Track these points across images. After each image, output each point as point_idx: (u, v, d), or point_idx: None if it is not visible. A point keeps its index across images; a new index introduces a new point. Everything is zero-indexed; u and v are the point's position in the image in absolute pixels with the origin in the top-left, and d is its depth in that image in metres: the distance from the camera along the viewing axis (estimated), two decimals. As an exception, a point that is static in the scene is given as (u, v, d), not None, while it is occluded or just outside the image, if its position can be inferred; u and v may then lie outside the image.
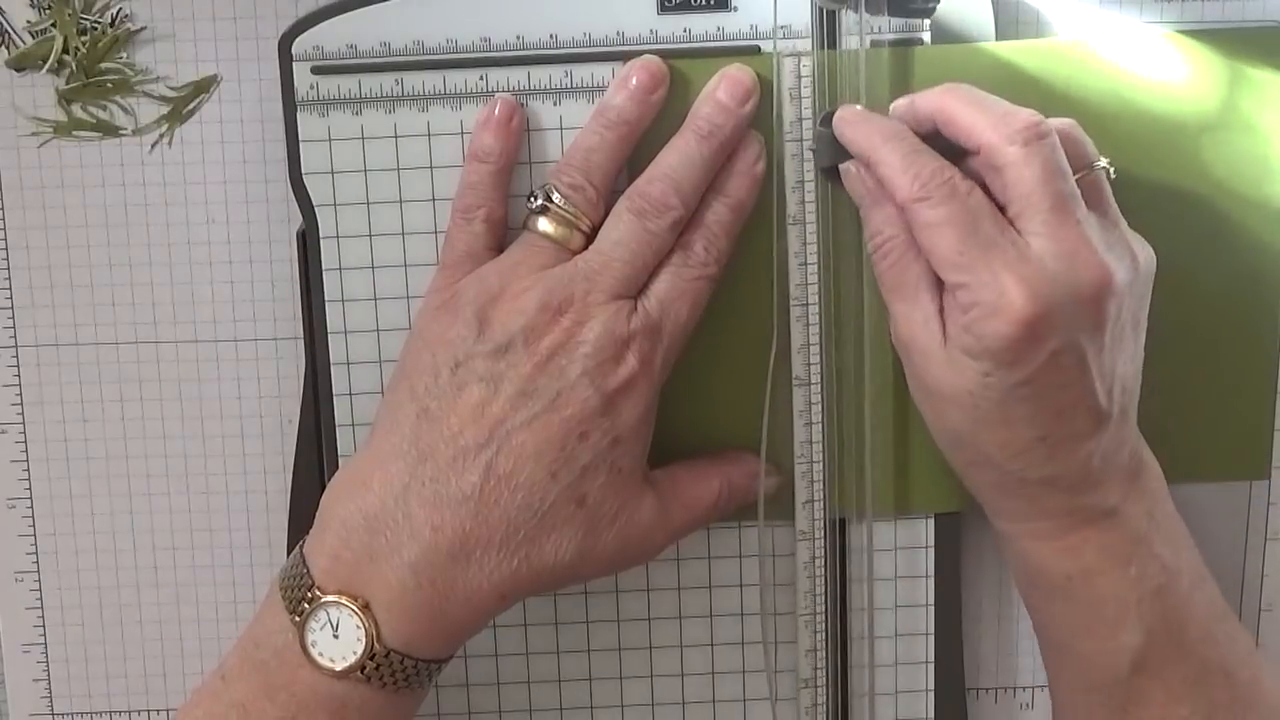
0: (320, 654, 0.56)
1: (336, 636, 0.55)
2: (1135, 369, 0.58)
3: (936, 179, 0.55)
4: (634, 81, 0.59)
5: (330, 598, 0.56)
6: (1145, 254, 0.58)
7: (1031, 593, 0.61)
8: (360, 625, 0.55)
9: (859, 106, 0.59)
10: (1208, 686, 0.59)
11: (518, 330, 0.56)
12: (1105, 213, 0.57)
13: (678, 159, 0.58)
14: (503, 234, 0.61)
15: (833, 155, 0.60)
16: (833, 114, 0.59)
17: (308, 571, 0.56)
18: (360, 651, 0.55)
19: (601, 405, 0.56)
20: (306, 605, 0.56)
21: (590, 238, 0.59)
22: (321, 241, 0.62)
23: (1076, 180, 0.56)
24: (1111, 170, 0.58)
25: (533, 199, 0.59)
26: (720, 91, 0.59)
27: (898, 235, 0.57)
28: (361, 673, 0.56)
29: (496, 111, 0.60)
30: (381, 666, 0.56)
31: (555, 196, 0.58)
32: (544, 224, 0.59)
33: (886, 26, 0.61)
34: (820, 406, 0.63)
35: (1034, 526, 0.59)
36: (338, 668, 0.55)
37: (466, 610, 0.56)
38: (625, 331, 0.57)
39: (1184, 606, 0.58)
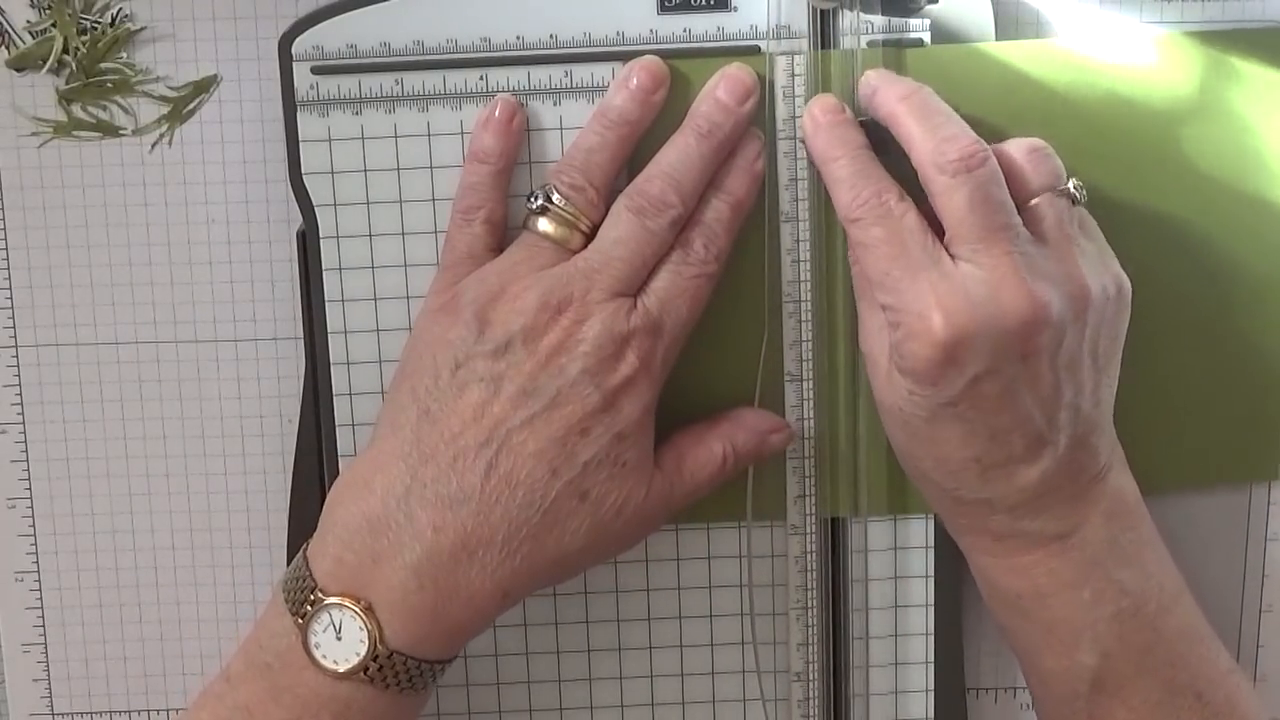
0: (323, 656, 0.56)
1: (339, 638, 0.55)
2: (1098, 397, 0.58)
3: (872, 201, 0.57)
4: (634, 82, 0.60)
5: (333, 600, 0.56)
6: (1103, 283, 0.57)
7: (992, 604, 0.61)
8: (363, 627, 0.55)
9: (829, 102, 0.59)
10: (1175, 708, 0.58)
11: (517, 330, 0.56)
12: (1059, 239, 0.57)
13: (677, 157, 0.59)
14: (503, 234, 0.61)
15: None
16: None
17: (310, 574, 0.56)
18: (363, 653, 0.55)
19: (602, 403, 0.56)
20: (309, 608, 0.56)
21: (590, 238, 0.59)
22: (321, 241, 0.62)
23: (1035, 205, 0.56)
24: (1080, 193, 0.58)
25: (533, 199, 0.59)
26: (720, 90, 0.59)
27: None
28: (364, 674, 0.56)
29: (497, 112, 0.60)
30: (385, 668, 0.56)
31: (555, 197, 0.58)
32: (544, 224, 0.59)
33: (886, 26, 0.61)
34: (811, 402, 0.63)
35: (981, 543, 0.59)
36: (341, 669, 0.56)
37: (469, 610, 0.56)
38: (625, 329, 0.57)
39: (1148, 630, 0.58)
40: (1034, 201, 0.57)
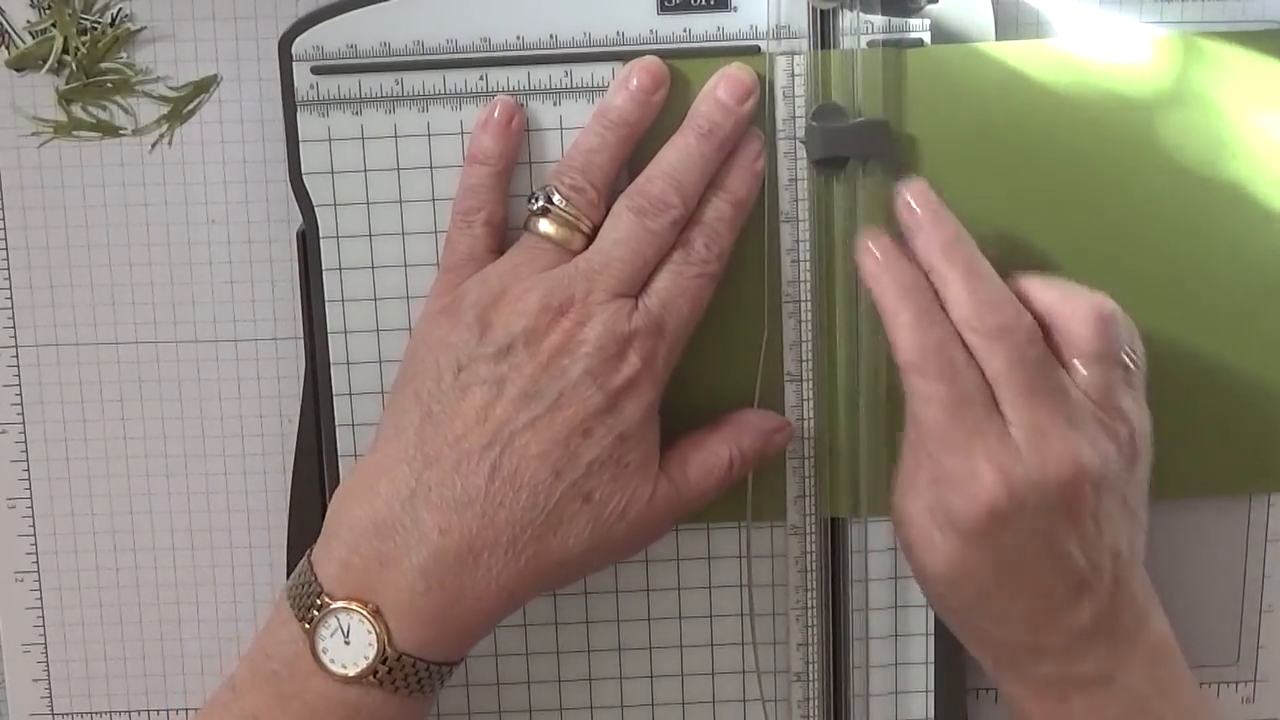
0: (331, 660, 0.55)
1: (348, 643, 0.55)
2: (1132, 539, 0.58)
3: (937, 354, 0.56)
4: (634, 83, 0.59)
5: (340, 604, 0.55)
6: (1132, 432, 0.58)
7: None
8: (371, 630, 0.55)
9: (885, 241, 0.58)
10: None
11: (519, 332, 0.56)
12: (1104, 401, 0.57)
13: (677, 157, 0.59)
14: (503, 236, 0.61)
15: (824, 148, 0.60)
16: (825, 107, 0.60)
17: (316, 579, 0.56)
18: (372, 657, 0.55)
19: (604, 404, 0.56)
20: (316, 613, 0.56)
21: (591, 238, 0.59)
22: (321, 241, 0.62)
23: (1087, 373, 0.57)
24: (1133, 362, 0.58)
25: (534, 200, 0.59)
26: (720, 90, 0.59)
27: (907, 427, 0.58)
28: (374, 677, 0.55)
29: (496, 113, 0.60)
30: (394, 670, 0.56)
31: (556, 198, 0.58)
32: (544, 225, 0.58)
33: (886, 26, 0.61)
34: (811, 402, 0.63)
35: (1027, 690, 0.59)
36: (350, 673, 0.55)
37: (475, 612, 0.56)
38: (626, 330, 0.57)
39: None
40: (1085, 369, 0.57)
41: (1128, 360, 0.58)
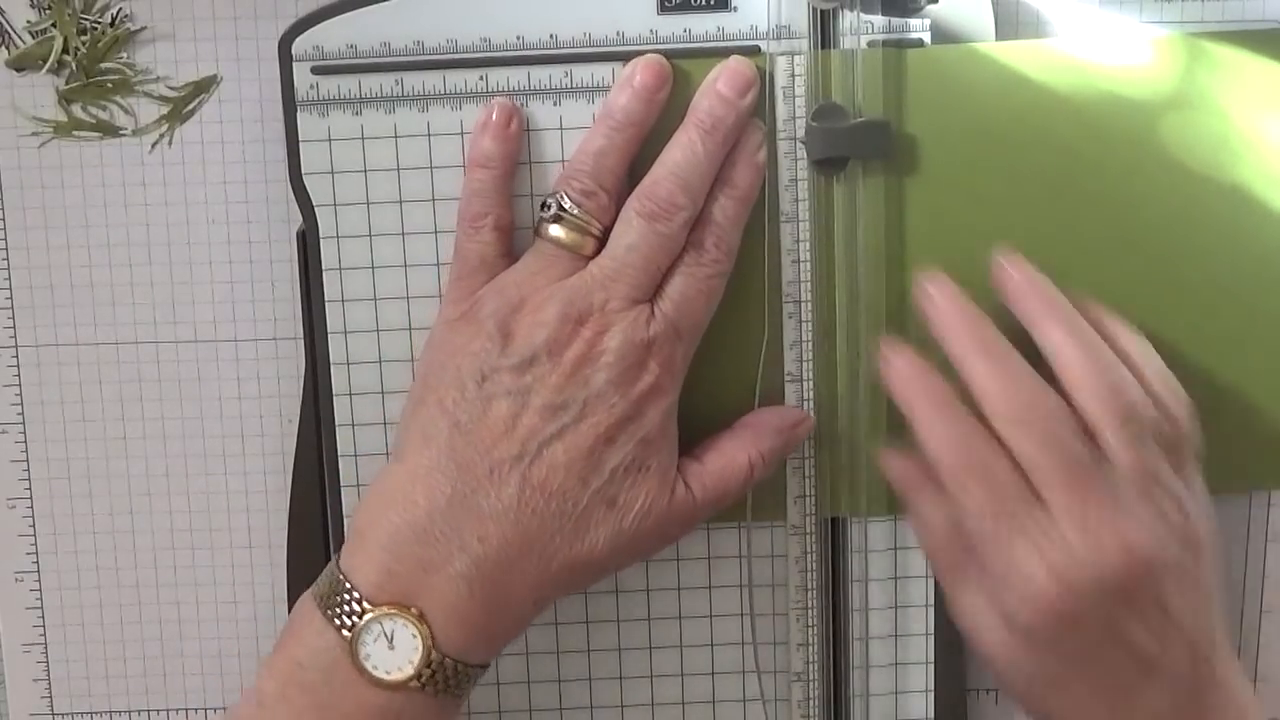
0: (374, 667, 0.55)
1: (392, 648, 0.55)
2: (1210, 626, 0.57)
3: (967, 458, 0.56)
4: (638, 81, 0.59)
5: (384, 610, 0.55)
6: (1178, 517, 0.56)
7: None
8: (417, 634, 0.55)
9: (909, 354, 0.58)
10: None
11: (541, 343, 0.57)
12: (1143, 478, 0.56)
13: (683, 156, 0.58)
14: (512, 239, 0.61)
15: (824, 148, 0.60)
16: (825, 107, 0.60)
17: (352, 587, 0.56)
18: (418, 660, 0.55)
19: (628, 411, 0.57)
20: (357, 619, 0.55)
21: (603, 242, 0.59)
22: (321, 241, 0.62)
23: (1111, 445, 0.56)
24: (1175, 432, 0.57)
25: (545, 207, 0.59)
26: (721, 83, 0.59)
27: (944, 523, 0.58)
28: (418, 681, 0.55)
29: (494, 116, 0.60)
30: (437, 674, 0.56)
31: (567, 203, 0.58)
32: (556, 231, 0.59)
33: (886, 26, 0.61)
34: (811, 402, 0.63)
35: None
36: (395, 678, 0.55)
37: (511, 616, 0.57)
38: (645, 337, 0.57)
39: None
40: (1115, 447, 0.56)
41: (1166, 429, 0.57)
